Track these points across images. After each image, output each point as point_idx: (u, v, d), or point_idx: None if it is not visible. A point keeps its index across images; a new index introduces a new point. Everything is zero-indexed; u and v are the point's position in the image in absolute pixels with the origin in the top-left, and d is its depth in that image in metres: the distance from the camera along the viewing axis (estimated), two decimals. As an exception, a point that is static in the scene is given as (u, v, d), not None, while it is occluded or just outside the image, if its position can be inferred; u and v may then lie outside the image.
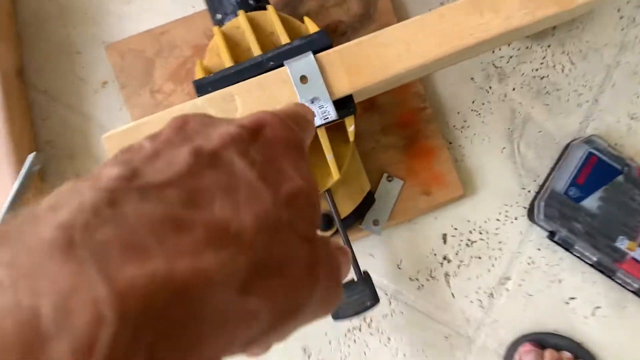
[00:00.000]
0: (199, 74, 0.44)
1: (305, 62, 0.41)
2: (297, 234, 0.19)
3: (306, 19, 0.45)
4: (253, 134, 0.20)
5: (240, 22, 0.46)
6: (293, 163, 0.21)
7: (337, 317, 0.48)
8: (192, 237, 0.16)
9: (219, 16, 0.48)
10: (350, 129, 0.44)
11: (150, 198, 0.16)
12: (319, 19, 0.57)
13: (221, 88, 0.41)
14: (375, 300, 0.48)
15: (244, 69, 0.42)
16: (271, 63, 0.42)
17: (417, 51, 0.41)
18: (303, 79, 0.41)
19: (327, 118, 0.41)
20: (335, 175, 0.45)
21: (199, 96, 0.41)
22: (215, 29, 0.46)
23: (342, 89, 0.41)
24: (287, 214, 0.19)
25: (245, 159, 0.19)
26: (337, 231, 0.52)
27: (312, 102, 0.41)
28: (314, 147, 0.45)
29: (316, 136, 0.43)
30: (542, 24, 0.44)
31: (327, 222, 0.52)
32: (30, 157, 0.47)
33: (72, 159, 0.58)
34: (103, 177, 0.17)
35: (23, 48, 0.59)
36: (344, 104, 0.42)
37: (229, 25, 0.47)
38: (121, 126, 0.40)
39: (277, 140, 0.21)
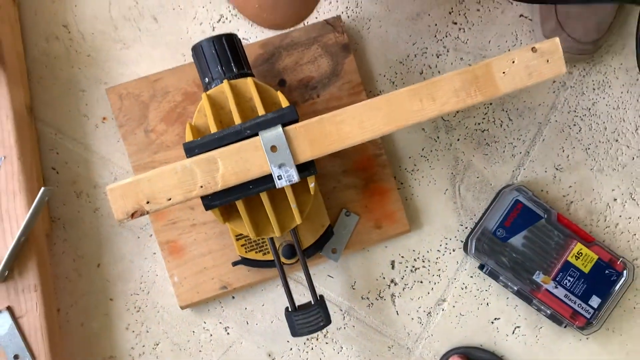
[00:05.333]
0: (188, 136, 0.53)
1: (276, 134, 0.50)
2: None
3: (279, 93, 0.54)
4: None
5: (224, 89, 0.55)
6: None
7: (295, 334, 0.58)
8: None
9: (207, 80, 0.57)
10: (311, 185, 0.53)
11: None
12: (294, 74, 0.66)
13: (206, 151, 0.50)
14: (327, 321, 0.58)
15: (225, 136, 0.51)
16: (248, 132, 0.51)
17: (368, 128, 0.51)
18: (273, 147, 0.50)
19: (291, 180, 0.50)
20: (298, 220, 0.55)
21: (188, 157, 0.50)
22: (204, 95, 0.55)
23: (305, 156, 0.51)
24: None
25: None
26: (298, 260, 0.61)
27: (280, 167, 0.50)
28: (282, 196, 0.55)
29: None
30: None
31: (291, 252, 0.62)
32: (41, 191, 0.56)
33: (73, 184, 0.67)
34: None
35: (32, 84, 0.67)
36: (306, 167, 0.52)
37: (215, 90, 0.55)
38: (123, 180, 0.49)
39: None
